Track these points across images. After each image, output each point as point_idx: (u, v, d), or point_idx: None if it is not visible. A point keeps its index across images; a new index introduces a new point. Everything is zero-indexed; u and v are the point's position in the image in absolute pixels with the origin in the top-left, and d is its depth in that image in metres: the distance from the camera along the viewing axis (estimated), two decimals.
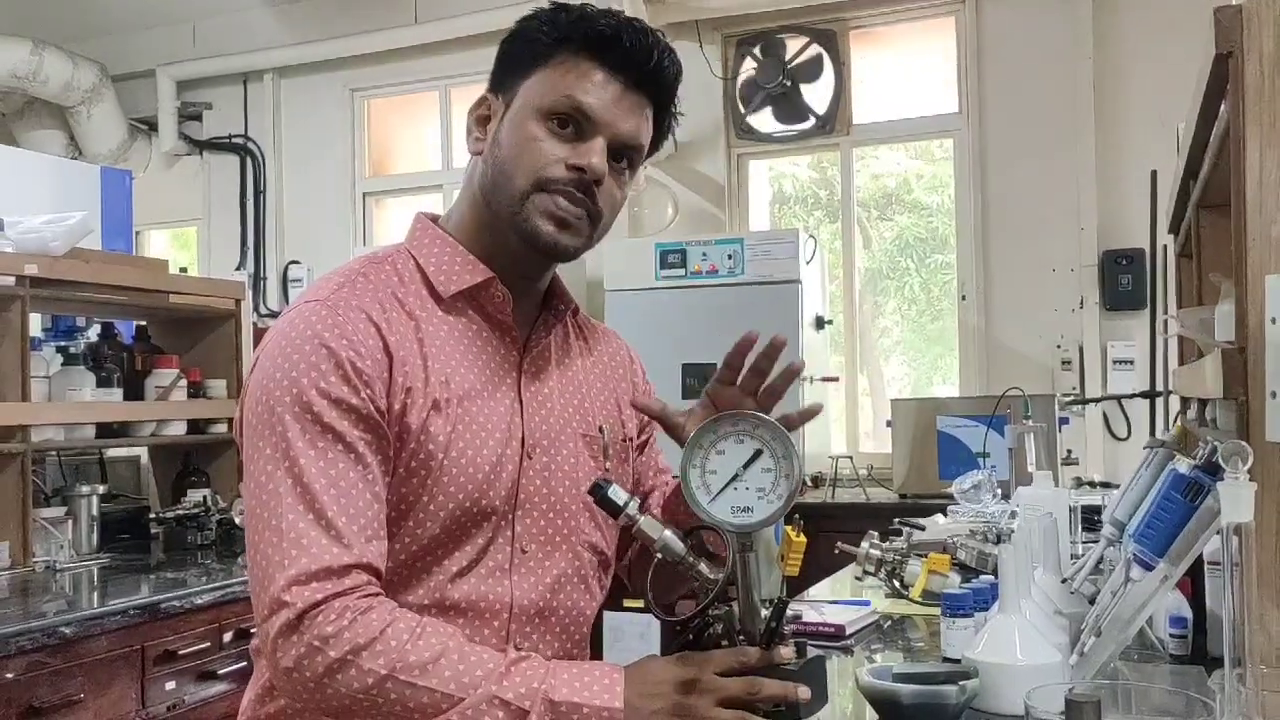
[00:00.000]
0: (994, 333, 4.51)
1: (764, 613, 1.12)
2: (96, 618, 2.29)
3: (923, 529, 2.32)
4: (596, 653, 1.40)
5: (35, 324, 3.19)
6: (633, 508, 1.15)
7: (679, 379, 4.07)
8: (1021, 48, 4.48)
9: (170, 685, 2.44)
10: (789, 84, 4.76)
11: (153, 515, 3.31)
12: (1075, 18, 4.37)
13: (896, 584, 2.19)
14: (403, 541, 1.17)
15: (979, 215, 4.53)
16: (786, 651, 1.11)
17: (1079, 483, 3.74)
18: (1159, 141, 3.80)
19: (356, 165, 5.59)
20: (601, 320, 1.48)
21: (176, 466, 3.49)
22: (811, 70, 4.76)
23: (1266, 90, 1.23)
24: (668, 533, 1.16)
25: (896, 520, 2.36)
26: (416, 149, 5.73)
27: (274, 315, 5.47)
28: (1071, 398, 4.20)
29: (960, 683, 1.31)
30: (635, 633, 3.09)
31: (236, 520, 3.20)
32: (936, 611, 1.75)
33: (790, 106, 4.80)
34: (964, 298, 4.58)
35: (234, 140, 5.73)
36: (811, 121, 4.79)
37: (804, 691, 1.08)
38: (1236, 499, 0.98)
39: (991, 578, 1.80)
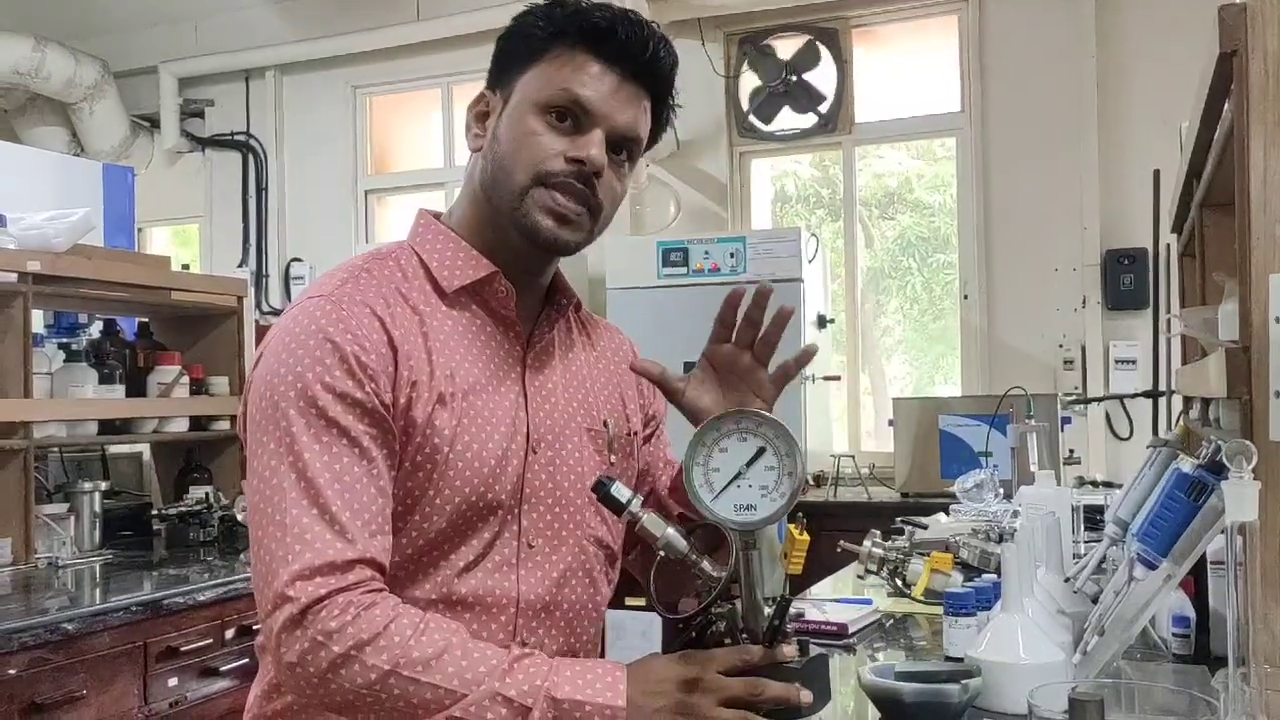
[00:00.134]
0: (996, 332, 4.50)
1: (767, 611, 1.12)
2: (99, 614, 2.29)
3: (925, 528, 2.32)
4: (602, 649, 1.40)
5: (38, 320, 3.19)
6: (635, 505, 1.15)
7: None
8: (1024, 46, 4.48)
9: (172, 682, 2.44)
10: (791, 82, 4.76)
11: (155, 512, 3.31)
12: (1078, 16, 4.36)
13: (899, 583, 2.19)
14: (409, 535, 1.17)
15: (981, 214, 4.53)
16: (789, 650, 1.11)
17: (1081, 482, 3.74)
18: (1162, 141, 3.80)
19: (358, 162, 5.60)
20: (603, 318, 1.48)
21: (179, 463, 3.49)
22: (814, 69, 4.76)
23: (1271, 89, 1.22)
24: (670, 530, 1.15)
25: (899, 519, 2.36)
26: (418, 146, 5.73)
27: (276, 312, 5.47)
28: (1074, 397, 4.20)
29: (963, 681, 1.31)
30: (637, 630, 3.09)
31: (239, 517, 3.21)
32: (939, 610, 1.75)
33: (792, 105, 4.80)
34: (966, 297, 4.57)
35: (236, 137, 5.74)
36: (814, 120, 4.79)
37: (806, 695, 1.08)
38: (1241, 498, 0.98)
39: (994, 577, 1.80)
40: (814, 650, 1.15)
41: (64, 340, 3.31)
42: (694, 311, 4.26)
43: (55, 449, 3.26)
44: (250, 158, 5.71)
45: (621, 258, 4.39)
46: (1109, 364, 4.30)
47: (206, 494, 3.26)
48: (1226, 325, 1.43)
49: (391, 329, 1.17)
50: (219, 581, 2.60)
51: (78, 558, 2.90)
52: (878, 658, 1.79)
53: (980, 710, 1.34)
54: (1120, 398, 4.23)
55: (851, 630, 1.89)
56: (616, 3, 1.27)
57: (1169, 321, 3.82)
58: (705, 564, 1.16)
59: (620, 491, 1.15)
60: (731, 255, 4.23)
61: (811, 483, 4.25)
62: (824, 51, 4.76)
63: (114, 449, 3.56)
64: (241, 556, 2.96)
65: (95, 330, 3.43)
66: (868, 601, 2.08)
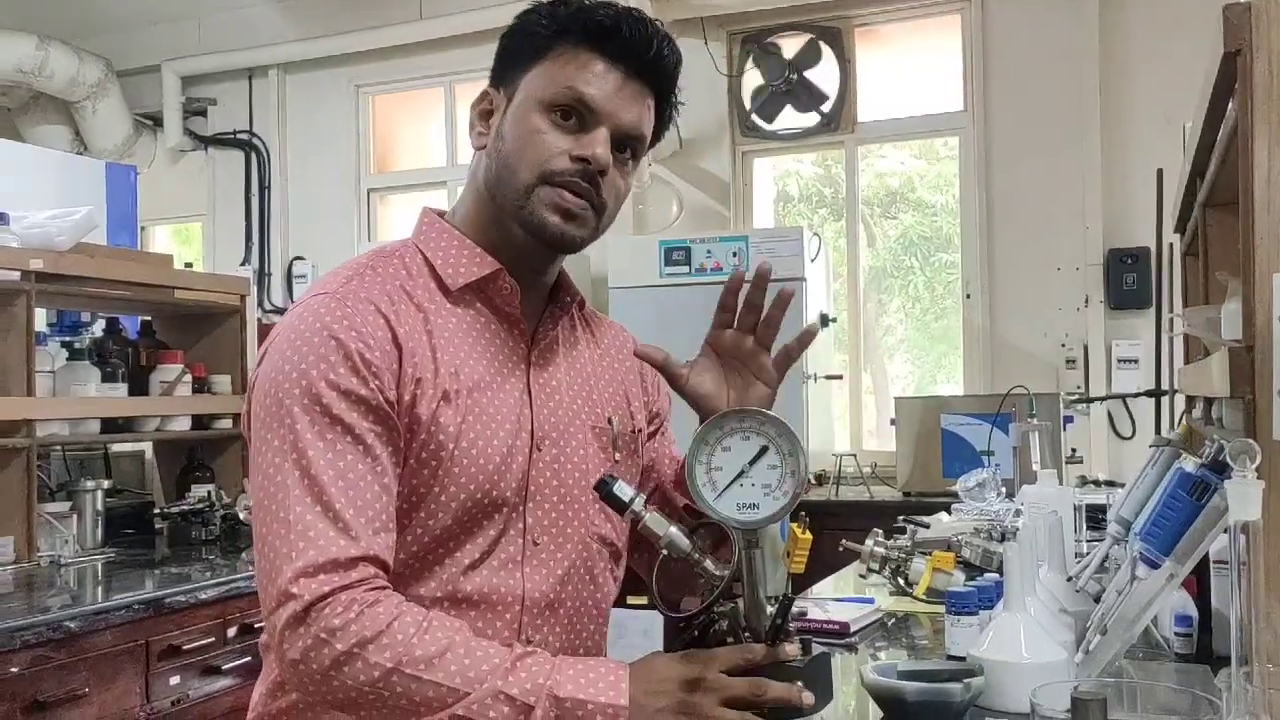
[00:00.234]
0: (998, 331, 4.50)
1: (769, 610, 1.12)
2: (101, 612, 2.30)
3: (927, 527, 2.32)
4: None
5: (40, 319, 3.19)
6: (638, 504, 1.15)
7: None
8: (1027, 46, 4.47)
9: (175, 680, 2.45)
10: (794, 81, 4.76)
11: (157, 510, 3.32)
12: (1081, 15, 4.36)
13: (901, 582, 2.19)
14: (414, 533, 1.17)
15: (984, 213, 4.53)
16: (792, 648, 1.11)
17: (1083, 481, 3.74)
18: (1165, 140, 3.80)
19: (361, 161, 5.60)
20: (606, 316, 1.48)
21: (181, 462, 3.49)
22: (816, 68, 4.76)
23: (1275, 89, 1.22)
24: (673, 529, 1.15)
25: (901, 518, 2.36)
26: (421, 145, 5.73)
27: (279, 311, 5.48)
28: (1076, 396, 4.19)
29: (965, 681, 1.31)
30: (639, 629, 3.09)
31: (241, 516, 3.21)
32: (941, 609, 1.75)
33: (795, 104, 4.80)
34: (969, 296, 4.57)
35: (239, 136, 5.74)
36: (816, 119, 4.79)
37: (808, 697, 1.08)
38: (1244, 497, 0.98)
39: (996, 576, 1.80)
40: (816, 649, 1.15)
41: (67, 339, 3.32)
42: (696, 311, 4.24)
43: (58, 447, 3.27)
44: (253, 156, 5.71)
45: (624, 257, 4.39)
46: (1111, 363, 4.30)
47: (209, 492, 3.26)
48: (1230, 325, 1.43)
49: (396, 326, 1.17)
50: (221, 580, 2.61)
51: (80, 556, 2.90)
52: (880, 657, 1.78)
53: (982, 709, 1.34)
54: (1122, 397, 4.23)
55: (854, 629, 1.89)
56: (620, 1, 1.27)
57: (1172, 321, 3.82)
58: (708, 563, 1.15)
59: (623, 490, 1.15)
60: (734, 254, 4.23)
61: (813, 482, 4.25)
62: (827, 50, 4.76)
63: (116, 447, 3.56)
64: (243, 555, 2.97)
65: (98, 329, 3.43)
66: (870, 601, 2.08)
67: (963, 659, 1.44)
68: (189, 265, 4.13)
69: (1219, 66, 1.35)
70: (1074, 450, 4.00)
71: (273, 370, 1.14)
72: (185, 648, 2.46)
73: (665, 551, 1.16)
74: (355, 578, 1.08)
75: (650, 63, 1.23)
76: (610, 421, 1.33)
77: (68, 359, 3.09)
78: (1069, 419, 3.93)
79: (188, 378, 3.32)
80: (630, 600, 1.49)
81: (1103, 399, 4.24)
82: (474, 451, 1.18)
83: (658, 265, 4.32)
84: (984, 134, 4.54)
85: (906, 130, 4.85)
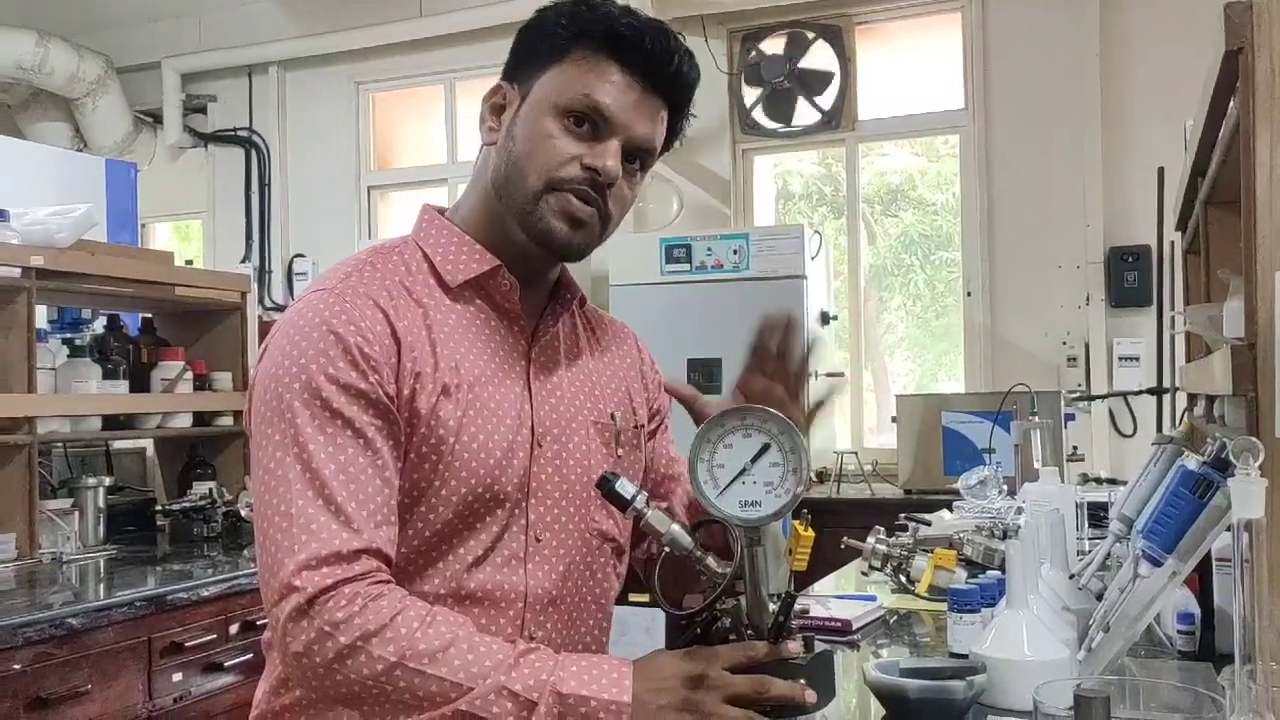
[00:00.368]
0: (999, 329, 4.50)
1: (772, 607, 1.12)
2: (103, 609, 2.30)
3: (929, 524, 2.32)
4: None
5: (41, 316, 3.20)
6: (640, 501, 1.15)
7: (684, 374, 4.08)
8: (1028, 43, 4.47)
9: (177, 677, 2.45)
10: (794, 79, 4.75)
11: (159, 507, 3.32)
12: (1082, 13, 4.36)
13: (903, 579, 2.20)
14: (415, 528, 1.17)
15: (984, 211, 4.53)
16: (794, 646, 1.11)
17: (1085, 479, 3.74)
18: (1166, 138, 3.79)
19: (361, 159, 5.60)
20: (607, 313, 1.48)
21: (182, 459, 3.49)
22: (817, 66, 4.75)
23: (1277, 86, 1.22)
24: (675, 526, 1.15)
25: (902, 515, 2.36)
26: (421, 142, 5.73)
27: (279, 308, 5.48)
28: (1077, 394, 4.19)
29: (968, 678, 1.31)
30: (641, 626, 3.09)
31: (242, 513, 3.21)
32: (943, 607, 1.75)
33: (796, 102, 4.79)
34: (969, 294, 4.57)
35: (239, 133, 5.74)
36: (817, 117, 4.79)
37: (810, 695, 1.08)
38: (1247, 495, 0.98)
39: (998, 573, 1.80)
40: (819, 646, 1.15)
41: (68, 335, 3.32)
42: (697, 308, 4.30)
43: (59, 444, 3.27)
44: (253, 153, 5.71)
45: (624, 255, 4.39)
46: (1112, 361, 4.30)
47: (210, 489, 3.26)
48: (1232, 322, 1.43)
49: (395, 321, 1.17)
50: (223, 577, 2.61)
51: (82, 553, 2.90)
52: (882, 654, 1.79)
53: (985, 707, 1.34)
54: (1124, 395, 4.23)
55: (856, 627, 1.89)
56: (624, 3, 1.26)
57: (1173, 319, 3.82)
58: (710, 560, 1.16)
59: (625, 487, 1.15)
60: (735, 252, 4.22)
61: (815, 479, 4.25)
62: (827, 48, 4.75)
63: (118, 444, 3.56)
64: (245, 552, 2.97)
65: (99, 326, 3.43)
66: (872, 598, 2.08)
67: (965, 657, 1.45)
68: (189, 262, 4.14)
69: (1220, 65, 1.35)
70: (1075, 448, 4.00)
71: (273, 366, 1.14)
72: (187, 645, 2.46)
73: (667, 548, 1.16)
74: (358, 571, 1.08)
75: (670, 78, 1.23)
76: (613, 418, 1.33)
77: (69, 356, 3.09)
78: (1070, 417, 3.93)
79: (189, 375, 3.32)
80: (632, 598, 1.49)
81: (1104, 397, 4.24)
82: (474, 446, 1.18)
83: (658, 263, 4.32)
84: (985, 132, 4.54)
85: (907, 128, 4.85)
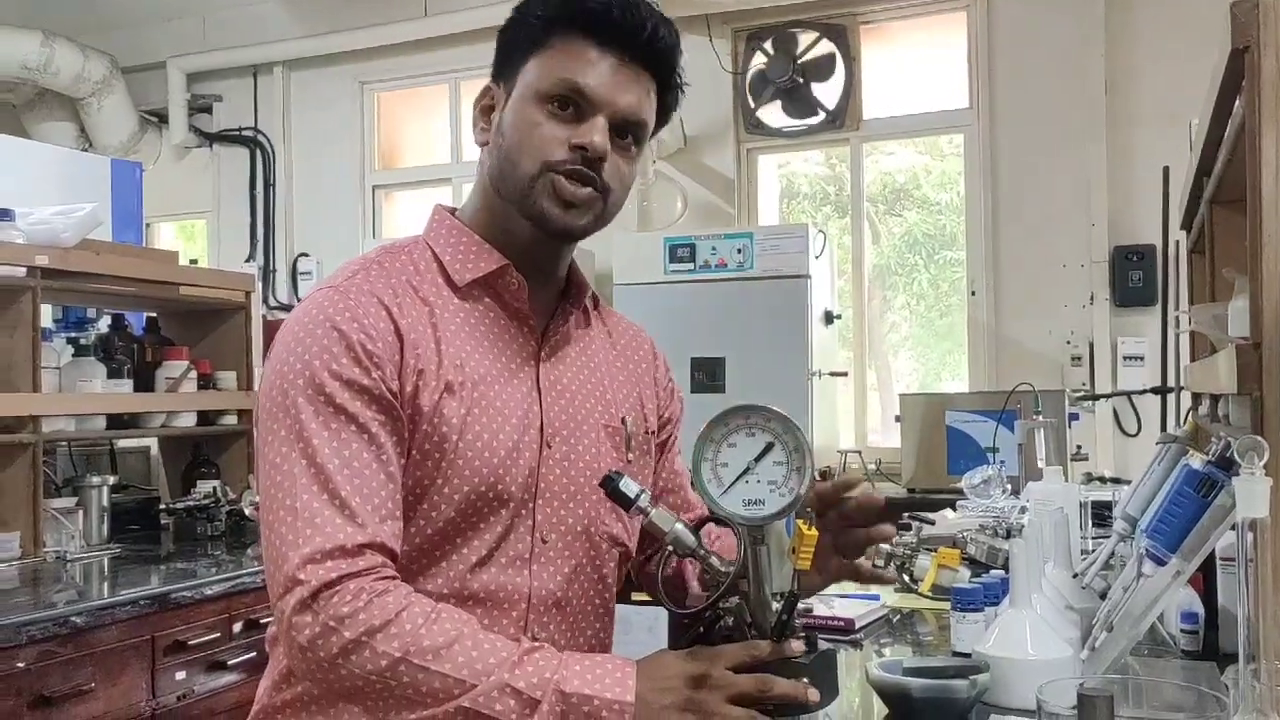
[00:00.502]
0: (1003, 328, 4.49)
1: (775, 606, 1.12)
2: (107, 608, 2.30)
3: (932, 523, 2.32)
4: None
5: (46, 315, 3.20)
6: (644, 500, 1.15)
7: (688, 373, 4.08)
8: (1033, 42, 4.46)
9: (180, 675, 2.45)
10: (799, 79, 4.75)
11: (163, 506, 3.32)
12: (1087, 12, 4.35)
13: (906, 578, 2.19)
14: (418, 525, 1.17)
15: (989, 210, 4.52)
16: (797, 645, 1.11)
17: (1089, 478, 3.74)
18: (1171, 137, 3.78)
19: (366, 158, 5.60)
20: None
21: (186, 458, 3.50)
22: (821, 65, 4.75)
23: None
24: (679, 525, 1.15)
25: (906, 515, 2.35)
26: (426, 142, 5.72)
27: (284, 307, 5.49)
28: (1081, 393, 4.19)
29: (971, 677, 1.31)
30: (643, 625, 3.09)
31: (246, 511, 3.21)
32: (946, 606, 1.75)
33: (800, 101, 4.79)
34: (973, 293, 4.57)
35: (244, 133, 5.74)
36: (821, 116, 4.78)
37: (813, 694, 1.08)
38: (1252, 494, 0.97)
39: (1001, 572, 1.80)
40: (822, 645, 1.15)
41: (72, 335, 3.33)
42: (701, 307, 4.30)
43: (63, 443, 3.28)
44: (258, 153, 5.72)
45: (628, 253, 4.38)
46: (1117, 360, 4.29)
47: (214, 488, 3.27)
48: (1236, 321, 1.43)
49: (398, 318, 1.17)
50: (227, 576, 2.61)
51: (86, 551, 2.91)
52: (885, 653, 1.79)
53: (988, 706, 1.34)
54: (1128, 394, 4.22)
55: (859, 625, 1.89)
56: None
57: (1178, 318, 3.81)
58: (714, 559, 1.16)
59: (628, 486, 1.15)
60: (739, 251, 4.22)
61: (818, 478, 4.24)
62: (832, 47, 4.75)
63: (122, 443, 3.57)
64: (249, 551, 2.97)
65: (103, 325, 3.43)
66: (875, 597, 2.08)
67: (968, 655, 1.44)
68: (194, 262, 4.14)
69: (1226, 63, 1.34)
70: (1079, 447, 3.99)
71: (278, 363, 1.15)
72: (191, 643, 2.47)
73: (671, 548, 1.16)
74: (363, 566, 1.08)
75: (646, 46, 1.23)
76: (624, 422, 1.33)
77: (73, 355, 3.10)
78: (1074, 416, 3.92)
79: (193, 374, 3.32)
80: (635, 596, 1.49)
81: (1108, 396, 4.23)
82: (479, 444, 1.18)
83: (662, 262, 4.32)
84: (989, 131, 4.53)
85: (912, 127, 4.84)
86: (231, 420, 3.45)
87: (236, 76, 5.72)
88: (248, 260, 5.60)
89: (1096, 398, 4.21)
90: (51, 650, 2.16)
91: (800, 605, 1.13)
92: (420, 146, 5.73)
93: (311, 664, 1.08)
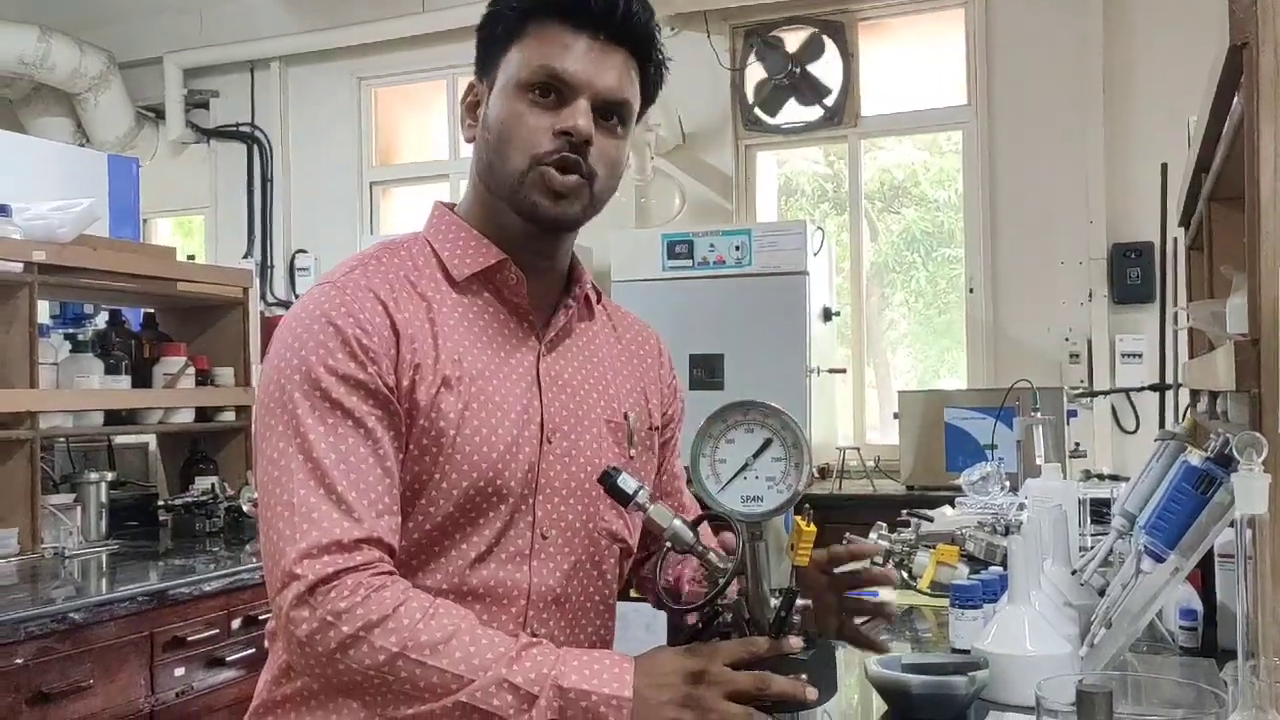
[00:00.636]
0: (1002, 325, 4.50)
1: (773, 602, 1.11)
2: (105, 604, 2.30)
3: (931, 520, 2.32)
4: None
5: (43, 311, 3.19)
6: (642, 496, 1.15)
7: (687, 369, 4.07)
8: (1031, 39, 4.46)
9: (179, 671, 2.45)
10: (797, 75, 4.75)
11: (161, 502, 3.32)
12: (1085, 9, 4.35)
13: (904, 575, 2.19)
14: (416, 520, 1.17)
15: (987, 207, 4.52)
16: (796, 641, 1.11)
17: (1087, 475, 3.74)
18: (1169, 134, 3.78)
19: (363, 154, 5.59)
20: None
21: (184, 454, 3.49)
22: (819, 62, 4.74)
23: None
24: (677, 521, 1.15)
25: (904, 511, 2.36)
26: (423, 138, 5.72)
27: (281, 304, 5.49)
28: (1080, 390, 4.19)
29: (970, 673, 1.31)
30: (641, 623, 3.09)
31: (245, 507, 3.21)
32: (945, 602, 1.75)
33: (798, 98, 4.79)
34: (972, 290, 4.57)
35: (241, 128, 5.73)
36: (819, 113, 4.78)
37: (812, 691, 1.08)
38: (1250, 491, 0.97)
39: (1000, 569, 1.80)
40: (821, 642, 1.15)
41: (70, 330, 3.32)
42: (699, 304, 4.30)
43: (61, 439, 3.27)
44: (255, 149, 5.71)
45: (626, 250, 4.38)
46: (1115, 357, 4.29)
47: (212, 484, 3.26)
48: (1235, 318, 1.43)
49: (395, 313, 1.17)
50: (225, 572, 2.61)
51: (84, 548, 2.91)
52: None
53: (987, 702, 1.34)
54: (1127, 391, 4.23)
55: (857, 623, 1.89)
56: None
57: (1176, 315, 3.81)
58: (712, 555, 1.15)
59: (626, 482, 1.14)
60: (737, 248, 4.22)
61: (817, 475, 4.25)
62: (830, 44, 4.75)
63: (120, 439, 3.57)
64: (247, 547, 2.97)
65: (101, 321, 3.43)
66: (873, 594, 2.07)
67: (967, 652, 1.45)
68: (191, 258, 4.14)
69: (1225, 59, 1.34)
70: (1078, 444, 3.99)
71: (276, 359, 1.16)
72: (189, 639, 2.47)
73: (669, 544, 1.16)
74: (360, 560, 1.08)
75: (621, 24, 1.22)
76: (627, 417, 1.32)
77: (71, 351, 3.09)
78: (1073, 413, 3.92)
79: (191, 370, 3.32)
80: (634, 593, 1.49)
81: (1107, 393, 4.23)
82: (476, 439, 1.18)
83: (660, 258, 4.32)
84: (987, 128, 4.53)
85: (910, 124, 4.84)
86: (229, 416, 3.45)
87: (234, 72, 5.72)
88: (245, 256, 5.60)
89: (1095, 394, 4.21)
90: (50, 646, 2.16)
91: (799, 602, 1.12)
92: (418, 142, 5.72)
93: (309, 659, 1.08)
